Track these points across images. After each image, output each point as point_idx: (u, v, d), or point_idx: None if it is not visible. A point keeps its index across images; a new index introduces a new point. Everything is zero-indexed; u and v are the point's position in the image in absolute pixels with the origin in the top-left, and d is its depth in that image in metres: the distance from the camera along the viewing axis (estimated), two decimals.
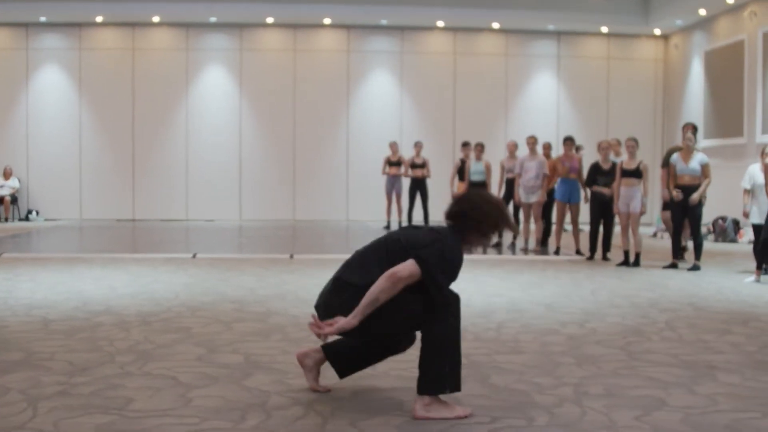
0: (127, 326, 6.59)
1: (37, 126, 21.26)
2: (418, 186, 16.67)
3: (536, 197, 13.47)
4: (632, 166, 11.88)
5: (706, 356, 5.78)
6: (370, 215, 20.69)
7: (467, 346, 5.97)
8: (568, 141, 13.38)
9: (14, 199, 20.90)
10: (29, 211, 21.17)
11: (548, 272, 10.83)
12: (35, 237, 16.70)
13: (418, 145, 16.94)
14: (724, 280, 10.29)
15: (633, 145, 11.92)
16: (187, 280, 9.43)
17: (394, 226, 18.35)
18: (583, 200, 13.17)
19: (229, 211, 21.30)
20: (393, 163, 17.55)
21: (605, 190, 12.21)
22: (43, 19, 20.86)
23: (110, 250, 13.60)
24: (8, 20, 21.03)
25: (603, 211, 12.43)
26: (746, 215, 11.36)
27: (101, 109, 21.32)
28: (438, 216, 18.77)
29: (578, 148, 14.79)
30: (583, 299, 8.49)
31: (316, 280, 9.26)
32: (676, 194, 11.28)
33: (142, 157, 21.32)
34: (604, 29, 21.89)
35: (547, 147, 14.41)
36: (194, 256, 12.04)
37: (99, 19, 20.97)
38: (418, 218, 16.75)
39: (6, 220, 20.64)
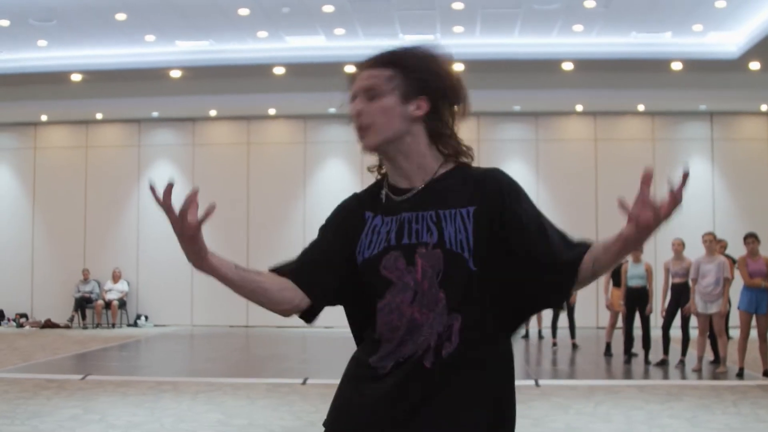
0: None
1: (148, 226, 20.10)
2: None
3: (716, 307, 11.05)
4: None
5: None
6: None
7: None
8: (751, 238, 11.07)
9: (122, 304, 19.66)
10: (138, 317, 19.88)
11: (744, 409, 8.46)
12: (136, 349, 15.28)
13: None
14: None
15: None
16: (290, 422, 7.56)
17: (533, 334, 16.20)
18: None
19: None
20: None
21: None
22: (155, 114, 19.94)
23: (210, 370, 11.88)
24: (121, 117, 20.21)
25: None
26: None
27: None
28: (584, 322, 16.62)
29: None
30: None
31: None
32: None
33: (257, 258, 19.81)
34: (764, 107, 19.47)
35: (723, 246, 12.09)
36: (304, 382, 10.17)
37: (213, 113, 19.92)
38: (563, 325, 14.50)
39: (113, 326, 19.38)
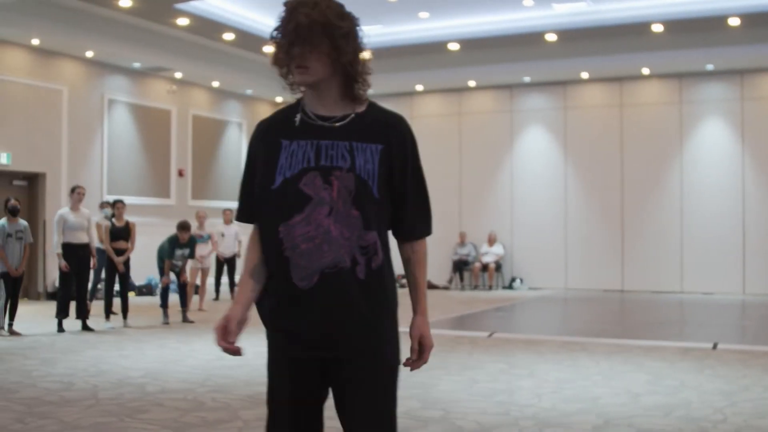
0: None
1: (522, 190, 20.47)
2: None
3: None
4: None
5: None
6: None
7: None
8: None
9: (498, 266, 20.19)
10: (513, 279, 20.32)
11: None
12: (521, 310, 15.62)
13: None
14: None
15: None
16: (719, 385, 7.30)
17: None
18: None
19: (730, 283, 18.50)
20: None
21: None
22: (527, 79, 20.13)
23: (609, 331, 11.83)
24: (493, 83, 20.67)
25: None
26: None
27: (587, 170, 19.93)
28: None
29: None
30: None
31: None
32: None
33: (632, 223, 19.47)
34: None
35: None
36: (714, 346, 9.81)
37: (584, 75, 19.74)
38: None
39: (490, 288, 19.99)
